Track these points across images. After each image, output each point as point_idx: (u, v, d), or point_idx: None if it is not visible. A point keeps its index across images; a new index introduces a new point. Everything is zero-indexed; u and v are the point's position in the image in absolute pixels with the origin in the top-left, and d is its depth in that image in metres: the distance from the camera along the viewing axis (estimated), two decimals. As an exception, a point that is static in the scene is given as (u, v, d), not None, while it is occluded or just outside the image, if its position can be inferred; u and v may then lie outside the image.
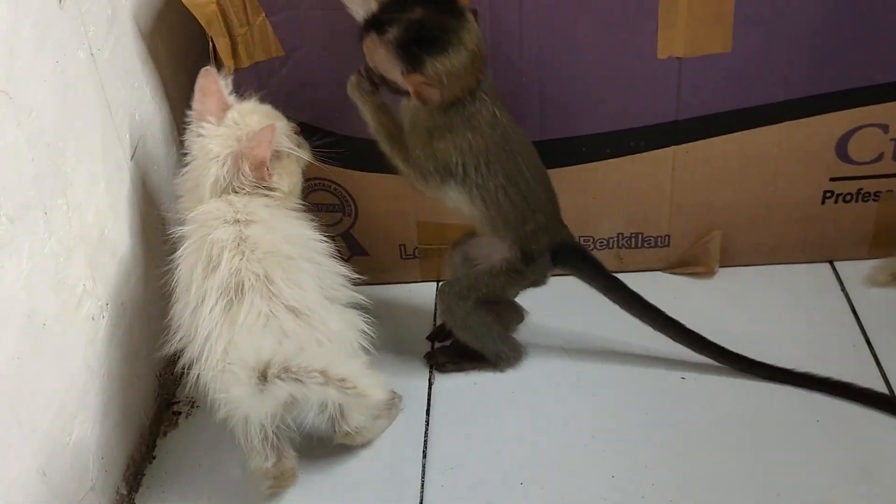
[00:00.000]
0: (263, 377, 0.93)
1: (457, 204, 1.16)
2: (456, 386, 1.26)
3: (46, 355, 0.95)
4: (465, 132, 1.10)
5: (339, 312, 1.07)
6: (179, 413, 1.24)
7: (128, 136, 1.18)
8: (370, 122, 1.15)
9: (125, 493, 1.12)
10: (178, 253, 1.06)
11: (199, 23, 1.20)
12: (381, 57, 1.08)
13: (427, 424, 1.20)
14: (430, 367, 1.28)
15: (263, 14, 1.20)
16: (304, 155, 1.17)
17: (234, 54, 1.23)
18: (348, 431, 1.11)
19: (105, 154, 1.11)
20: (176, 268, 1.06)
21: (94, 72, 1.09)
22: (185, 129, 1.14)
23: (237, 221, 1.05)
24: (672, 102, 1.25)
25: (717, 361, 1.22)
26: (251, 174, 1.08)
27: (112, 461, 1.10)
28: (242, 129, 1.11)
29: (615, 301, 1.23)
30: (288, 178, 1.14)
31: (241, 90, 1.22)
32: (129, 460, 1.14)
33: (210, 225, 1.04)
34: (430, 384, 1.26)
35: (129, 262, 1.15)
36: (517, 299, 1.30)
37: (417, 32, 1.05)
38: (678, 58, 1.22)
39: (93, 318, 1.05)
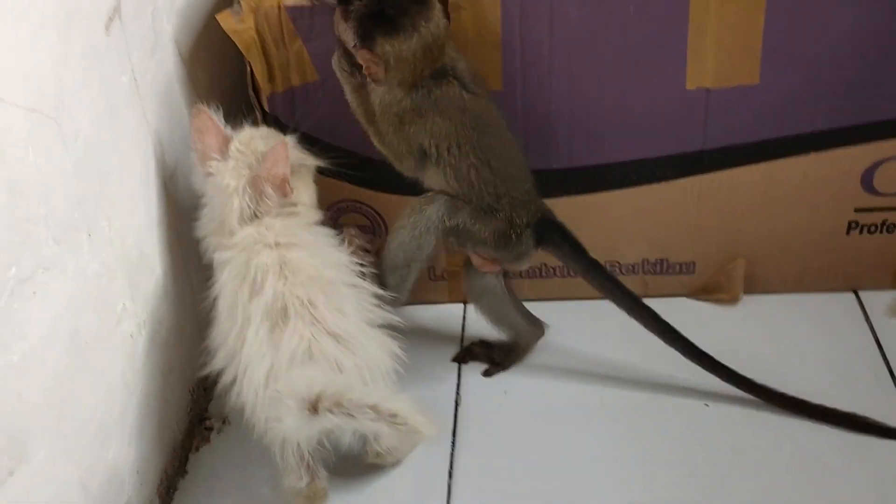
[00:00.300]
0: (314, 409, 0.96)
1: (435, 184, 1.19)
2: (482, 408, 1.28)
3: (88, 372, 0.98)
4: (435, 116, 1.14)
5: (377, 337, 1.09)
6: (211, 429, 1.26)
7: (166, 157, 1.21)
8: (349, 100, 1.20)
9: (158, 506, 1.15)
10: (220, 277, 1.08)
11: (237, 47, 1.23)
12: (342, 29, 1.13)
13: (453, 445, 1.22)
14: (457, 385, 1.31)
15: (300, 40, 1.23)
16: (315, 161, 1.20)
17: (271, 78, 1.26)
18: (379, 452, 1.14)
19: (145, 176, 1.14)
20: (217, 292, 1.08)
21: (136, 96, 1.12)
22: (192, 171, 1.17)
23: (278, 244, 1.07)
24: (699, 132, 1.27)
25: (704, 368, 1.23)
26: (275, 194, 1.10)
27: (146, 475, 1.12)
28: (250, 156, 1.13)
29: (594, 285, 1.25)
30: (306, 189, 1.17)
31: (277, 113, 1.26)
32: (163, 474, 1.17)
33: (253, 249, 1.07)
34: (457, 405, 1.28)
35: (166, 281, 1.18)
36: (536, 314, 1.33)
37: (375, 10, 1.09)
38: (706, 88, 1.24)
39: (131, 336, 1.08)
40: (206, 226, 1.15)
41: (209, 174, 1.13)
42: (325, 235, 1.15)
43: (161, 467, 1.17)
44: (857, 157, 1.29)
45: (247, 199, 1.10)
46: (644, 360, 1.32)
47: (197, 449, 1.24)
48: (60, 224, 0.93)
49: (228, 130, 1.16)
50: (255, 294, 1.05)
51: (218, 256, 1.10)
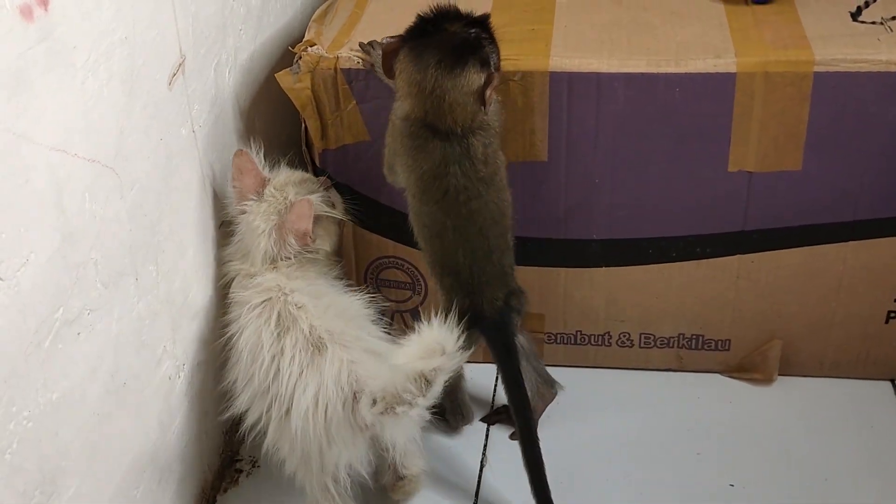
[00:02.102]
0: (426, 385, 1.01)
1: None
2: (506, 472, 1.29)
3: (124, 412, 1.02)
4: (409, 159, 1.15)
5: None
6: (241, 471, 1.29)
7: (218, 206, 1.25)
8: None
9: (183, 545, 1.18)
10: (240, 316, 1.14)
11: (294, 104, 1.28)
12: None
13: (475, 506, 1.24)
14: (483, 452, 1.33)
15: (354, 101, 1.28)
16: (338, 213, 1.26)
17: (324, 136, 1.31)
18: (410, 478, 1.19)
19: (196, 223, 1.19)
20: (237, 330, 1.14)
21: (194, 146, 1.17)
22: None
23: (301, 292, 1.14)
24: (740, 213, 1.28)
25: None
26: (296, 244, 1.17)
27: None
28: (281, 202, 1.20)
29: (510, 404, 1.23)
30: (328, 238, 1.23)
31: (328, 168, 1.31)
32: (190, 514, 1.20)
33: (274, 294, 1.14)
34: (482, 466, 1.30)
35: (207, 325, 1.22)
36: (553, 374, 1.34)
37: (423, 30, 1.11)
38: (748, 171, 1.25)
39: (169, 378, 1.12)
40: (232, 253, 1.22)
41: (244, 212, 1.20)
42: (341, 287, 1.21)
43: (189, 506, 1.20)
44: (898, 248, 1.29)
45: (272, 242, 1.17)
46: (672, 433, 1.33)
47: (225, 491, 1.27)
48: (109, 268, 0.98)
49: (267, 171, 1.23)
50: (285, 332, 1.11)
51: (239, 294, 1.16)
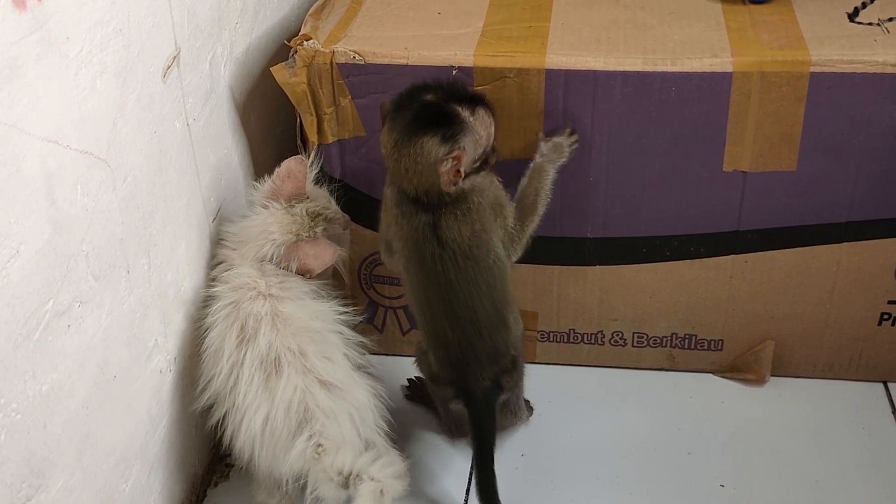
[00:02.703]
0: (346, 485, 1.04)
1: None
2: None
3: (113, 405, 1.02)
4: (396, 228, 1.14)
5: (363, 381, 1.15)
6: (231, 466, 1.29)
7: (212, 199, 1.25)
8: None
9: (173, 539, 1.18)
10: (209, 314, 1.14)
11: (289, 98, 1.28)
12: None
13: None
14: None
15: (350, 97, 1.27)
16: (345, 252, 1.26)
17: (320, 131, 1.30)
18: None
19: (189, 216, 1.18)
20: (206, 329, 1.14)
21: (187, 139, 1.17)
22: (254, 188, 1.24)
23: (271, 295, 1.13)
24: (734, 213, 1.28)
25: None
26: (294, 270, 1.17)
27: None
28: (307, 230, 1.18)
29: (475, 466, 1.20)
30: (324, 274, 1.23)
31: (323, 164, 1.30)
32: (179, 508, 1.20)
33: (243, 294, 1.13)
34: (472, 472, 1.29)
35: (199, 319, 1.22)
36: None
37: (405, 94, 1.12)
38: (743, 171, 1.25)
39: (160, 372, 1.12)
40: (230, 235, 1.21)
41: (265, 207, 1.19)
42: (313, 286, 1.19)
43: (179, 500, 1.19)
44: (892, 250, 1.28)
45: (275, 253, 1.16)
46: (664, 433, 1.33)
47: (216, 485, 1.27)
48: (101, 261, 0.97)
49: (310, 186, 1.22)
50: (246, 341, 1.10)
51: (214, 288, 1.16)
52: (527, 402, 1.34)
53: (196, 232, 1.20)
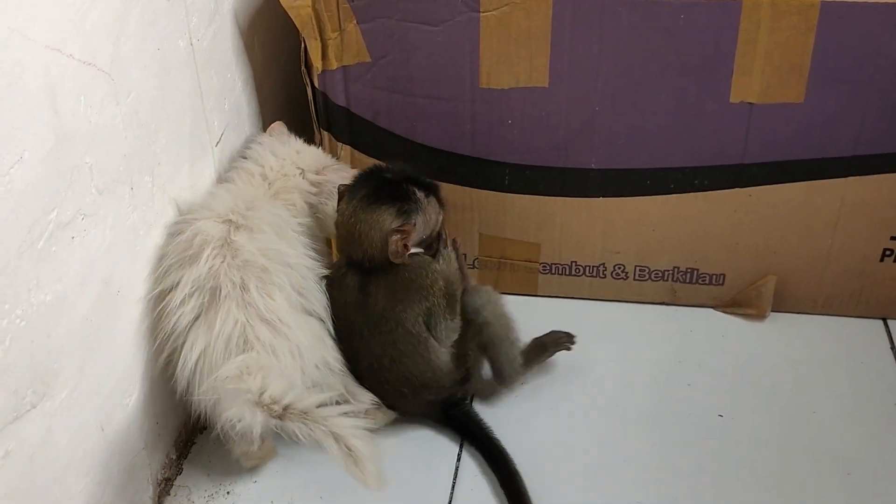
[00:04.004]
0: (280, 416, 0.97)
1: None
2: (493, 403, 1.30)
3: (117, 321, 1.02)
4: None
5: (310, 325, 1.11)
6: (233, 389, 1.29)
7: (216, 123, 1.24)
8: None
9: (174, 457, 1.19)
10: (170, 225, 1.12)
11: (294, 22, 1.27)
12: None
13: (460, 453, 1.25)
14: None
15: (355, 20, 1.26)
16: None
17: (324, 56, 1.29)
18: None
19: (192, 138, 1.18)
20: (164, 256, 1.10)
21: (191, 60, 1.16)
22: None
23: (229, 221, 1.09)
24: (740, 146, 1.27)
25: None
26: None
27: (165, 426, 1.16)
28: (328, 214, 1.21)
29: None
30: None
31: (326, 90, 1.29)
32: (182, 428, 1.21)
33: (201, 214, 1.10)
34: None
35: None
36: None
37: (366, 172, 1.20)
38: (750, 103, 1.24)
39: (164, 290, 1.12)
40: (244, 172, 1.21)
41: (310, 183, 1.22)
42: (284, 223, 1.16)
43: (180, 421, 1.20)
44: (897, 185, 1.28)
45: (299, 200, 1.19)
46: (665, 365, 1.33)
47: (218, 406, 1.28)
48: (105, 175, 0.97)
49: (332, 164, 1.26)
50: (189, 259, 1.06)
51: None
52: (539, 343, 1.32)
53: (199, 154, 1.20)
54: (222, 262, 1.07)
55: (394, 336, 1.17)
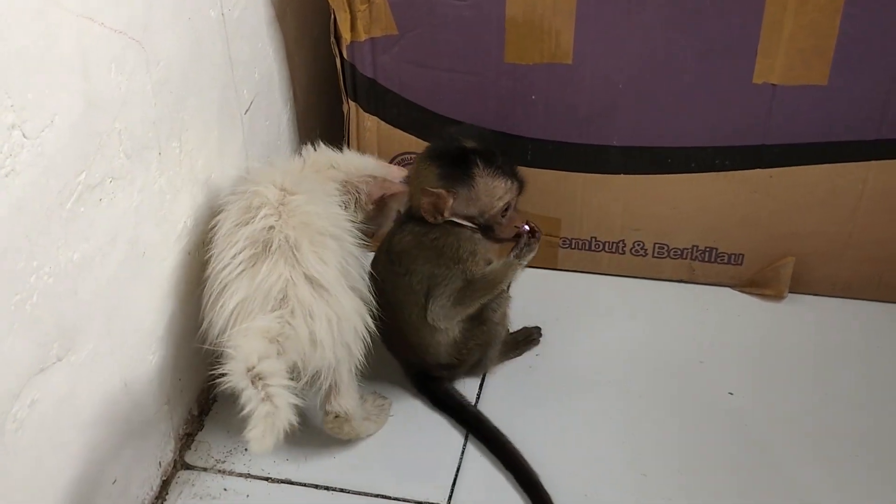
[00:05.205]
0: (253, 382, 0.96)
1: None
2: (507, 381, 1.31)
3: (142, 280, 1.06)
4: None
5: (352, 297, 1.10)
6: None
7: (245, 91, 1.27)
8: None
9: (196, 413, 1.23)
10: (223, 197, 1.13)
11: (324, -5, 1.29)
12: None
13: (479, 396, 1.28)
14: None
15: (384, -7, 1.28)
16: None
17: (353, 28, 1.32)
18: (337, 414, 1.15)
19: (221, 106, 1.21)
20: (217, 212, 1.12)
21: (222, 29, 1.19)
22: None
23: (283, 189, 1.10)
24: (761, 127, 1.28)
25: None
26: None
27: (188, 383, 1.21)
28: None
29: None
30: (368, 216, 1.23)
31: (355, 61, 1.32)
32: (204, 385, 1.25)
33: (257, 182, 1.11)
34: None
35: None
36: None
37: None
38: (772, 84, 1.24)
39: (189, 254, 1.15)
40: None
41: (337, 181, 1.20)
42: (333, 194, 1.17)
43: (203, 378, 1.24)
44: (920, 170, 1.28)
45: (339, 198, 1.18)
46: (677, 342, 1.35)
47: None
48: (133, 140, 1.00)
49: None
50: (245, 222, 1.07)
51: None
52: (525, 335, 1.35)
53: (228, 122, 1.23)
54: (278, 219, 1.08)
55: (400, 280, 1.19)
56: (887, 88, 1.23)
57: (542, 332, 1.36)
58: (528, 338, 1.35)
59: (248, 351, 0.96)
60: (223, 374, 0.96)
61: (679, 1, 1.21)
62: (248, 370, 0.95)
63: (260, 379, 0.95)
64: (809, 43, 1.21)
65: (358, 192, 1.20)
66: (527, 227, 1.19)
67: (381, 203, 1.22)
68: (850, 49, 1.20)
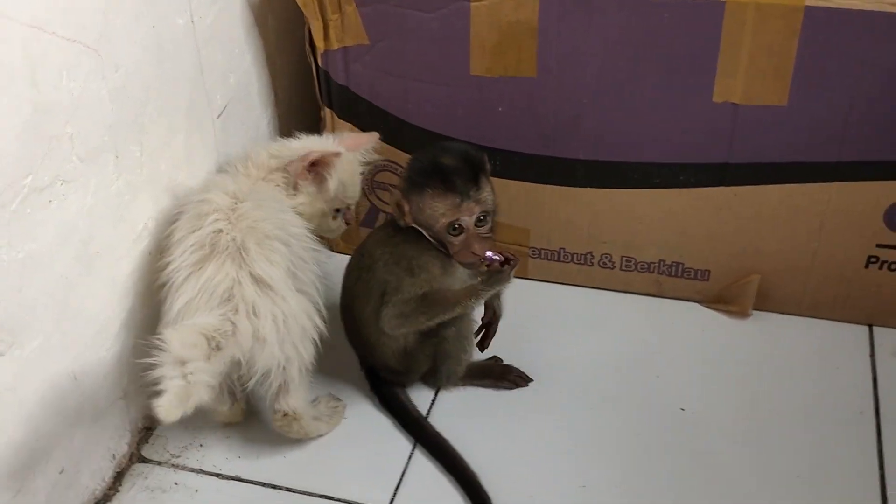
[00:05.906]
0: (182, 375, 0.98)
1: None
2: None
3: (96, 280, 1.10)
4: None
5: (299, 298, 1.13)
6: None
7: (218, 96, 1.31)
8: None
9: (155, 408, 1.27)
10: (179, 205, 1.17)
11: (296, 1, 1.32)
12: None
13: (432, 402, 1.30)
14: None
15: (354, 4, 1.31)
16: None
17: (326, 36, 1.35)
18: (286, 413, 1.17)
19: (190, 110, 1.24)
20: (172, 231, 1.14)
21: (191, 36, 1.22)
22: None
23: (235, 196, 1.14)
24: (724, 145, 1.28)
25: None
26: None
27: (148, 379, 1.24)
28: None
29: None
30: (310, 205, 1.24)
31: (329, 69, 1.34)
32: (166, 381, 1.29)
33: (209, 190, 1.15)
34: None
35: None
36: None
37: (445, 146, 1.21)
38: (734, 103, 1.25)
39: (150, 254, 1.19)
40: (230, 167, 1.24)
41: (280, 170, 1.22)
42: (283, 199, 1.20)
43: (165, 374, 1.28)
44: (882, 193, 1.27)
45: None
46: (632, 355, 1.37)
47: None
48: (87, 144, 1.04)
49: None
50: (195, 229, 1.11)
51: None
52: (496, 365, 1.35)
53: (196, 126, 1.27)
54: (226, 223, 1.11)
55: (363, 274, 1.22)
56: (846, 111, 1.22)
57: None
58: (503, 376, 1.33)
59: (175, 343, 0.98)
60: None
61: (639, 19, 1.22)
62: (175, 360, 0.98)
63: (181, 364, 0.98)
64: (769, 63, 1.21)
65: (289, 174, 1.22)
66: (493, 256, 1.14)
67: (317, 177, 1.22)
68: (809, 71, 1.20)
